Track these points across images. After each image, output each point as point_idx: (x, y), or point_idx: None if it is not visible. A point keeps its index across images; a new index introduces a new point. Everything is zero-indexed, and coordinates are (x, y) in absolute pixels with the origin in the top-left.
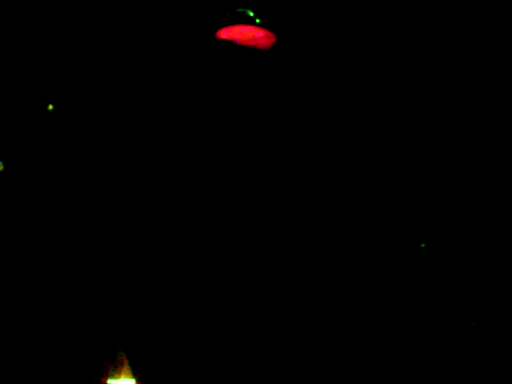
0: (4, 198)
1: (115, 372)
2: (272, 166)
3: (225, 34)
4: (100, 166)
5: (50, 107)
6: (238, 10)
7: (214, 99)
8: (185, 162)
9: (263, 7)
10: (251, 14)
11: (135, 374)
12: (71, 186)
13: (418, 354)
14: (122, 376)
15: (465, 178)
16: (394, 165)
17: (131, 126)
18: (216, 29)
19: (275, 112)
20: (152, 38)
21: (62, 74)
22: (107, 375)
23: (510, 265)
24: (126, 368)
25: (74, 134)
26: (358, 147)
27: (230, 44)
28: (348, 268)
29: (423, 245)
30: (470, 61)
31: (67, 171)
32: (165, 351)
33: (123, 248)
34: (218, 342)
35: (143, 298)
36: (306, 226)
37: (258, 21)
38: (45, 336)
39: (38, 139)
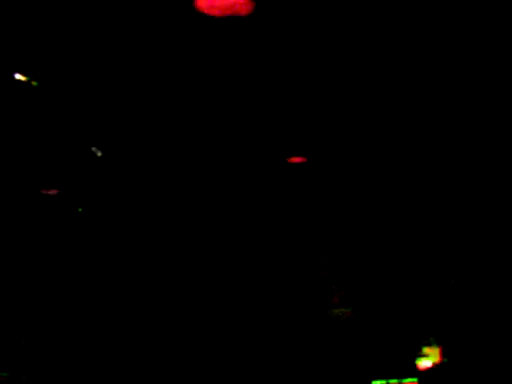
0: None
1: None
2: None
3: (204, 1)
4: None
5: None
6: None
7: (196, 67)
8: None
9: None
10: None
11: None
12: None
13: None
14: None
15: (463, 179)
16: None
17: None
18: None
19: (257, 79)
20: (130, 6)
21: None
22: None
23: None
24: None
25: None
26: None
27: (209, 11)
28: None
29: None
30: (469, 61)
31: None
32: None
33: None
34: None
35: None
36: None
37: None
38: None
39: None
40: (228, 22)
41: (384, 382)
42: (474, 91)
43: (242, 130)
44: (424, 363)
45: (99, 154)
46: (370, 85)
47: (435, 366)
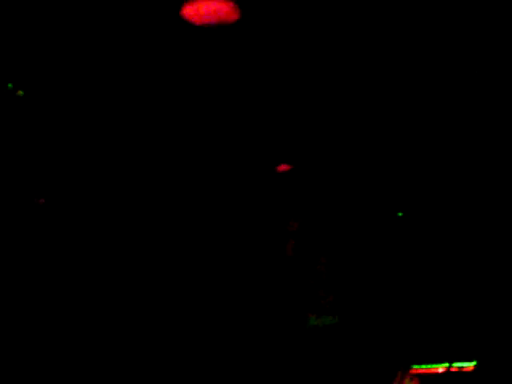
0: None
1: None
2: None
3: (190, 9)
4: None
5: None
6: None
7: (183, 75)
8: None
9: None
10: None
11: None
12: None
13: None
14: None
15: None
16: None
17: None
18: (181, 4)
19: (244, 87)
20: (117, 16)
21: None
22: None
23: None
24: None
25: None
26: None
27: (195, 19)
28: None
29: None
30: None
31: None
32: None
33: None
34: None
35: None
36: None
37: None
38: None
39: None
40: (214, 30)
41: None
42: (474, 91)
43: (231, 138)
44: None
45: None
46: (358, 93)
47: None
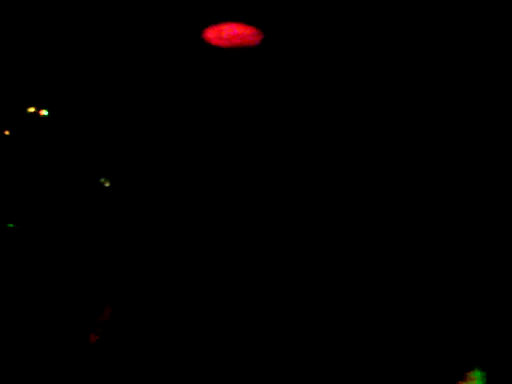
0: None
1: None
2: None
3: (212, 32)
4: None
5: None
6: None
7: (204, 99)
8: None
9: (251, 4)
10: None
11: None
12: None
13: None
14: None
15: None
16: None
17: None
18: (203, 27)
19: (265, 110)
20: (139, 38)
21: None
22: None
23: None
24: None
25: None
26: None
27: (217, 42)
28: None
29: None
30: (469, 61)
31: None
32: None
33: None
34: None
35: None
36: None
37: None
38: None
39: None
40: (237, 53)
41: None
42: (474, 91)
43: (246, 163)
44: None
45: (107, 184)
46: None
47: None
